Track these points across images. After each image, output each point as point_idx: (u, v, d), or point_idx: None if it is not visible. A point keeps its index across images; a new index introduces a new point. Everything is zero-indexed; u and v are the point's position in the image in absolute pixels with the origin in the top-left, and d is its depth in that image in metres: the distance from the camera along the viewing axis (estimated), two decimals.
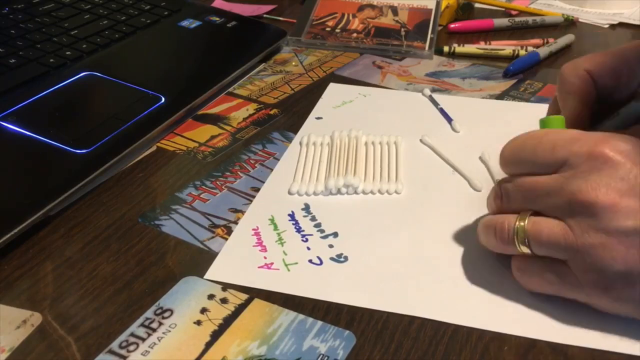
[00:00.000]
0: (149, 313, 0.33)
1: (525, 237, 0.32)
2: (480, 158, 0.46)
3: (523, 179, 0.33)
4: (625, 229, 0.29)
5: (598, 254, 0.29)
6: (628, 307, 0.31)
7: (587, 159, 0.30)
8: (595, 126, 0.38)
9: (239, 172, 0.45)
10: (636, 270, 0.29)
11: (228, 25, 0.65)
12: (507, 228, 0.33)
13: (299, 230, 0.39)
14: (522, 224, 0.32)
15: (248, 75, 0.60)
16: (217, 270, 0.36)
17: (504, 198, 0.34)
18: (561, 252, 0.31)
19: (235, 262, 0.36)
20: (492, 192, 0.36)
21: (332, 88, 0.57)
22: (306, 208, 0.41)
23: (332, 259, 0.37)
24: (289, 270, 0.36)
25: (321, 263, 0.36)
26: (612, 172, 0.29)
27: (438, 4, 0.71)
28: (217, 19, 0.66)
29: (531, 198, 0.32)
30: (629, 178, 0.29)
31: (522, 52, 0.64)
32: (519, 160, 0.34)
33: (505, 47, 0.65)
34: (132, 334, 0.32)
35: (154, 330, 0.32)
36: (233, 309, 0.33)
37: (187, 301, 0.33)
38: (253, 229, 0.39)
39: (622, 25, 0.75)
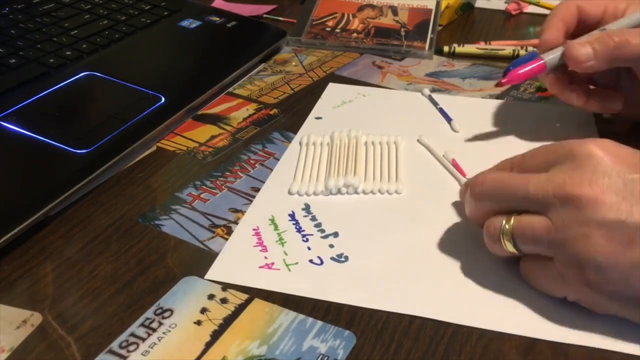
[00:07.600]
0: (149, 313, 0.33)
1: (512, 236, 0.32)
2: (444, 156, 0.46)
3: (507, 174, 0.34)
4: (608, 221, 0.29)
5: (580, 246, 0.30)
6: (613, 304, 0.31)
7: (571, 155, 0.32)
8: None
9: (239, 172, 0.45)
10: (618, 264, 0.29)
11: (228, 25, 0.65)
12: (493, 227, 0.33)
13: (299, 230, 0.39)
14: (508, 225, 0.32)
15: (248, 75, 0.60)
16: (217, 270, 0.36)
17: (481, 200, 0.35)
18: (545, 248, 0.31)
19: (235, 262, 0.36)
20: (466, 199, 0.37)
21: (332, 88, 0.57)
22: (306, 208, 0.41)
23: (332, 258, 0.37)
24: (289, 270, 0.36)
25: (322, 263, 0.36)
26: (596, 169, 0.30)
27: (438, 4, 0.71)
28: (217, 19, 0.66)
29: (509, 195, 0.33)
30: (611, 175, 0.30)
31: (522, 52, 0.64)
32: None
33: (505, 47, 0.65)
34: (132, 334, 0.32)
35: (154, 330, 0.32)
36: (233, 309, 0.33)
37: (187, 301, 0.33)
38: (253, 229, 0.39)
39: None
